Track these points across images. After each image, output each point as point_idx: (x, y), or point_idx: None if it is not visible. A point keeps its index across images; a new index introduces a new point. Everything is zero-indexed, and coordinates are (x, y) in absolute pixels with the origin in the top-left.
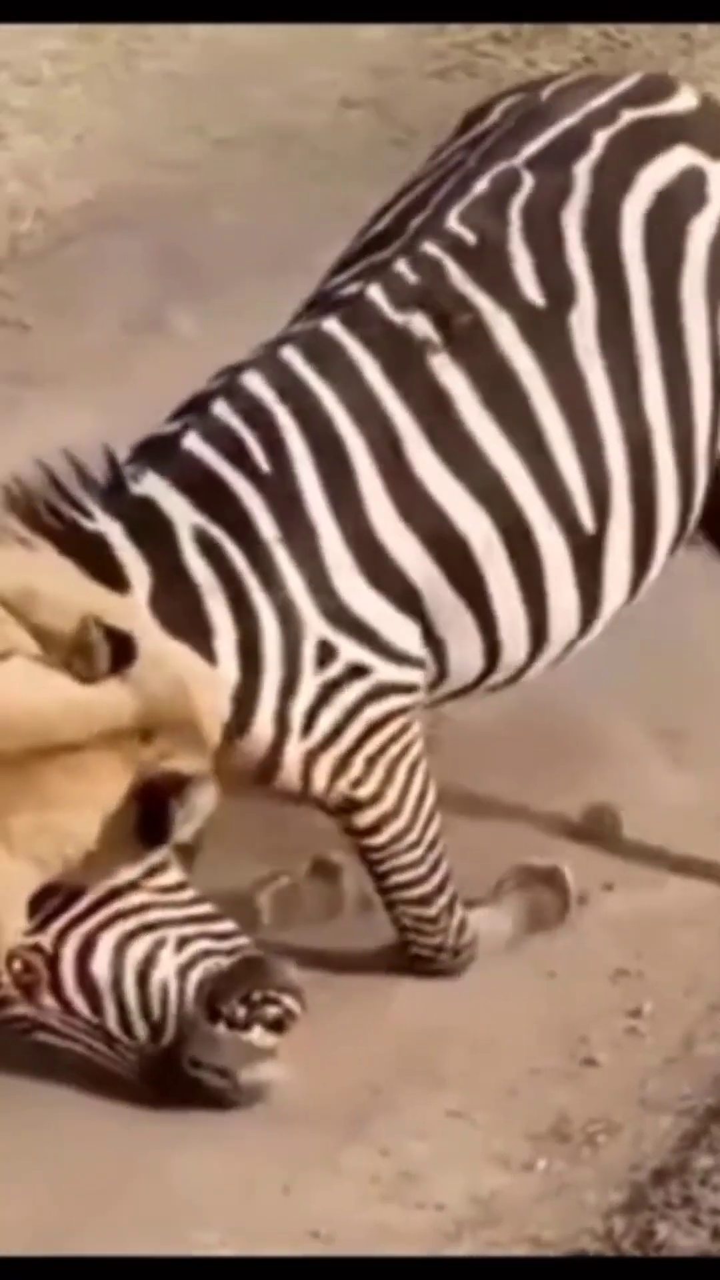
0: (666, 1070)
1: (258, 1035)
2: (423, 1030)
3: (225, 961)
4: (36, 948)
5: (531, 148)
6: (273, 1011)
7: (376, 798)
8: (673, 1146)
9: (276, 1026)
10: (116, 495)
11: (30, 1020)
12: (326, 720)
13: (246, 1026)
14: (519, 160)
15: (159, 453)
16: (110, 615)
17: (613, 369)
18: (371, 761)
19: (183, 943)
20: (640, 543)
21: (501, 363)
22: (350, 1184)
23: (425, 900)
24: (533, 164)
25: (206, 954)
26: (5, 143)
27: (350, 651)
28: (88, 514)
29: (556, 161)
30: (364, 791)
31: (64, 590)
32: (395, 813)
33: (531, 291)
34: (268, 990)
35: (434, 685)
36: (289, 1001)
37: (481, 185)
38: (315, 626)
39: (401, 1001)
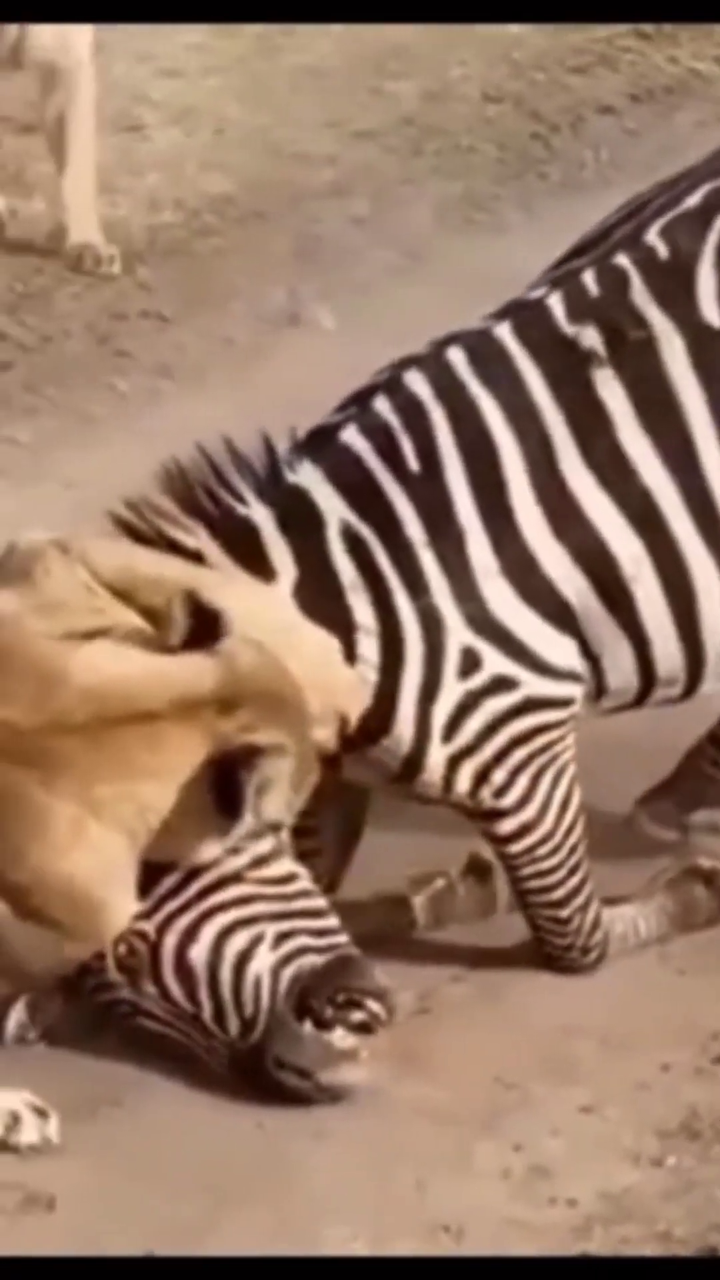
0: None
1: (339, 1037)
2: (556, 1026)
3: (319, 960)
4: (141, 933)
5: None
6: (358, 1016)
7: (518, 807)
8: None
9: (363, 1029)
10: (271, 483)
11: (131, 1005)
12: (470, 728)
13: (332, 1026)
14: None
15: (318, 443)
16: (205, 590)
17: None
18: (515, 772)
19: (280, 938)
20: None
21: (664, 381)
22: (482, 1180)
23: (559, 904)
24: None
25: (302, 951)
26: (145, 135)
27: (496, 662)
28: (242, 500)
29: None
30: (506, 801)
31: (162, 570)
32: (536, 822)
33: (710, 313)
34: (356, 992)
35: (595, 699)
36: (375, 1006)
37: (693, 200)
38: (459, 633)
39: (535, 998)
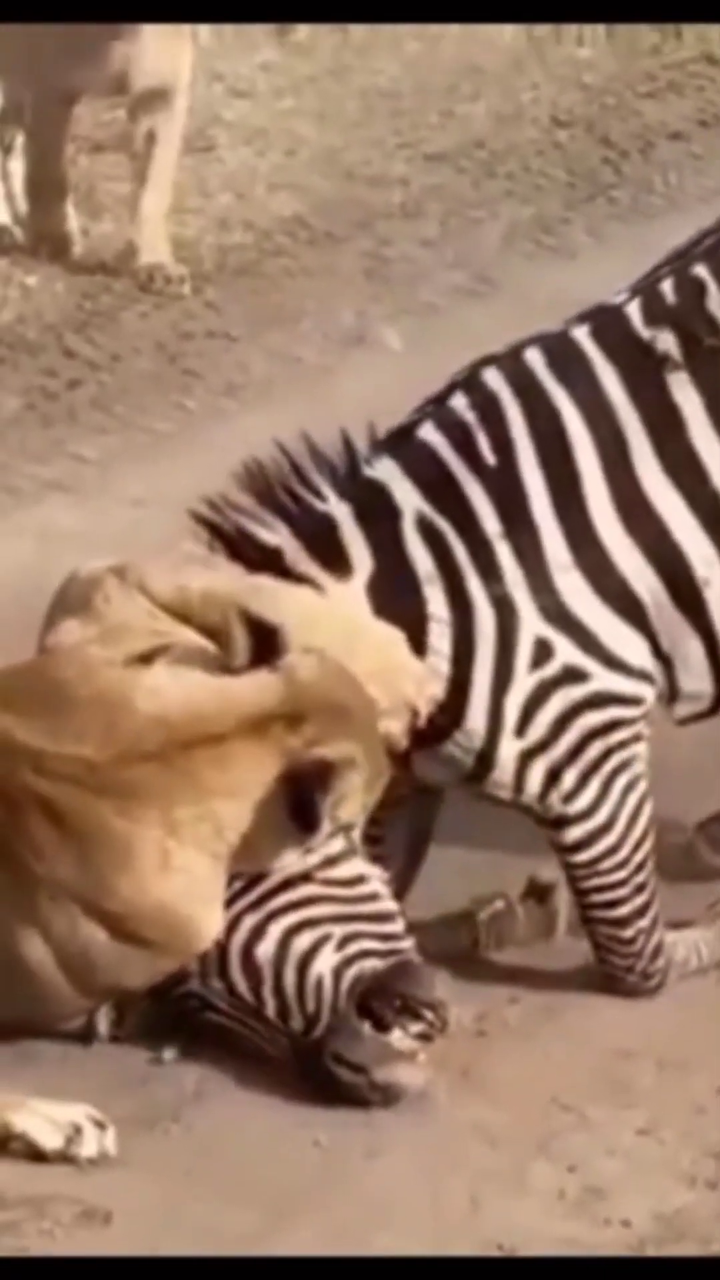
0: None
1: (398, 1038)
2: (613, 1049)
3: (381, 964)
4: None
5: None
6: (413, 1025)
7: (587, 814)
8: None
9: (418, 1038)
10: (350, 478)
11: (199, 998)
12: (542, 721)
13: (390, 1028)
14: None
15: (396, 440)
16: (260, 605)
17: None
18: (586, 776)
19: (345, 940)
20: None
21: None
22: (536, 1199)
23: (623, 922)
24: None
25: (365, 954)
26: (216, 154)
27: (568, 653)
28: (321, 496)
29: None
30: (575, 807)
31: (215, 585)
32: (604, 831)
33: None
34: (412, 1000)
35: (670, 702)
36: (429, 1016)
37: None
38: (532, 623)
39: (593, 1020)
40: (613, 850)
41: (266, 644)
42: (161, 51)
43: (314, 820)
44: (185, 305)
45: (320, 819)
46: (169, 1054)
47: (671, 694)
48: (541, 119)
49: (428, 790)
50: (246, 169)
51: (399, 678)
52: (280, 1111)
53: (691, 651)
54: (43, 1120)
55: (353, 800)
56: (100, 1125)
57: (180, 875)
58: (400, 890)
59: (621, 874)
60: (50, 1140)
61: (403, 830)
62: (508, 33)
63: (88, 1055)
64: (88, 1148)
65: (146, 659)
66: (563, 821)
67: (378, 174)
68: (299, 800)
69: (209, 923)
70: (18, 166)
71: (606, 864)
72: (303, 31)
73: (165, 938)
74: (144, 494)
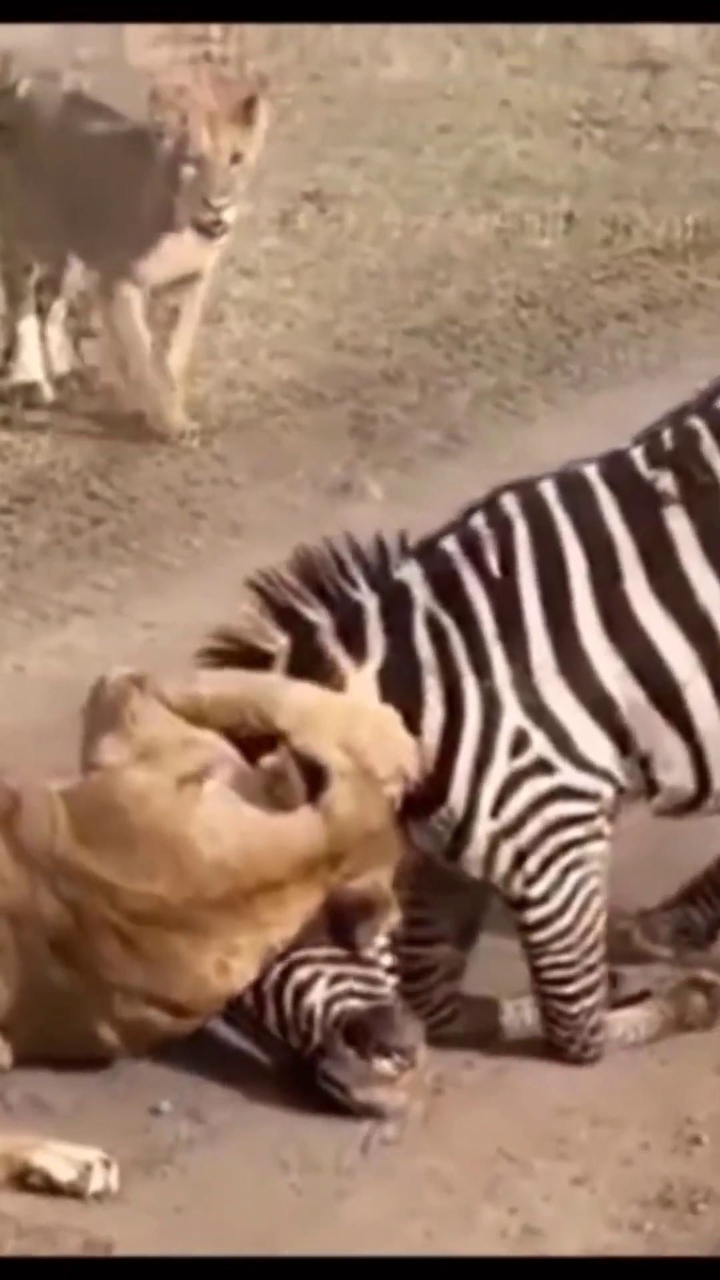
0: None
1: (380, 1064)
2: (553, 1107)
3: (362, 1004)
4: None
5: None
6: (384, 1064)
7: (544, 899)
8: None
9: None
10: (382, 574)
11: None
12: (513, 807)
13: (371, 1058)
14: None
15: (422, 548)
16: (264, 702)
17: None
18: (546, 864)
19: (334, 979)
20: None
21: None
22: (482, 1236)
23: (570, 999)
24: None
25: (350, 993)
26: (225, 326)
27: (541, 746)
28: (356, 586)
29: None
30: (535, 891)
31: (224, 689)
32: (559, 915)
33: None
34: (385, 1043)
35: (648, 796)
36: (399, 1059)
37: None
38: (514, 716)
39: (536, 1082)
40: (565, 934)
41: (315, 781)
42: (198, 244)
43: (356, 947)
44: (195, 455)
45: (361, 946)
46: (166, 1106)
47: (650, 789)
48: (507, 300)
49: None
50: (250, 338)
51: (394, 748)
52: (262, 1158)
53: (672, 749)
54: (58, 1158)
55: (385, 924)
56: (107, 1165)
57: (236, 977)
58: (454, 970)
59: (572, 955)
60: (64, 1174)
61: (451, 912)
62: (479, 224)
63: (97, 1105)
64: (95, 1183)
65: (193, 779)
66: (524, 903)
67: (364, 345)
68: (341, 928)
69: (240, 977)
70: (55, 332)
71: (558, 945)
72: (302, 221)
73: (215, 1010)
74: (155, 619)
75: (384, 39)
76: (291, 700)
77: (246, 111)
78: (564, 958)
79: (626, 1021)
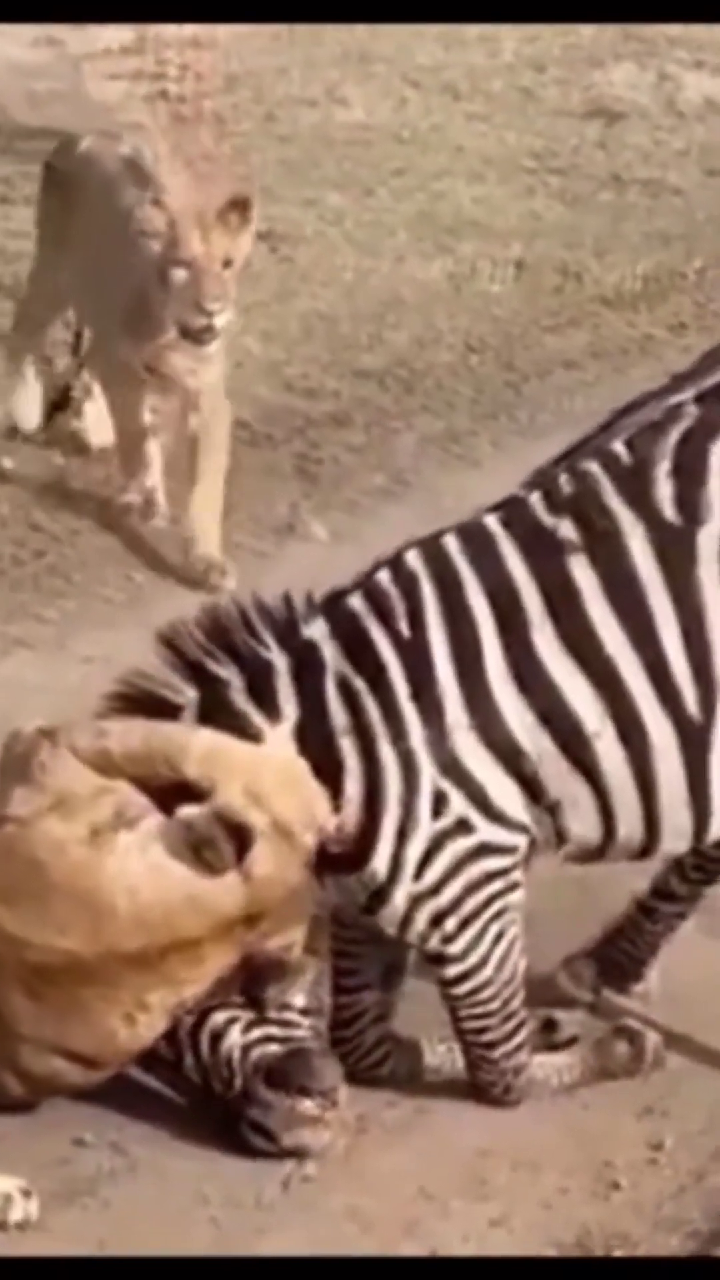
0: (679, 1197)
1: (304, 1105)
2: (474, 1149)
3: (280, 1049)
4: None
5: (706, 383)
6: (309, 1105)
7: (464, 955)
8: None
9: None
10: (290, 633)
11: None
12: (435, 869)
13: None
14: (690, 394)
15: (329, 604)
16: (175, 752)
17: None
18: (466, 922)
19: (249, 1025)
20: None
21: (628, 566)
22: None
23: (491, 1045)
24: (701, 398)
25: (267, 1039)
26: None
27: (459, 805)
28: (265, 645)
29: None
30: (453, 949)
31: (131, 741)
32: (478, 970)
33: (669, 511)
34: (304, 1086)
35: (557, 846)
36: (321, 1101)
37: (655, 413)
38: (431, 776)
39: (458, 1123)
40: (484, 986)
41: (240, 842)
42: (188, 349)
43: (263, 1006)
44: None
45: (271, 1004)
46: (89, 1137)
47: (560, 838)
48: (456, 345)
49: None
50: None
51: (305, 797)
52: (183, 1192)
53: (582, 798)
54: None
55: (298, 983)
56: (27, 1195)
57: (144, 1030)
58: (382, 1015)
59: (492, 1006)
60: None
61: (377, 960)
62: (433, 268)
63: (19, 1136)
64: (15, 1214)
65: (107, 828)
66: (442, 959)
67: (313, 386)
68: (254, 986)
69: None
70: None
71: (478, 998)
72: (255, 261)
73: (124, 1062)
74: (95, 653)
75: (341, 83)
76: (198, 747)
77: (239, 214)
78: (485, 1009)
79: (551, 1066)
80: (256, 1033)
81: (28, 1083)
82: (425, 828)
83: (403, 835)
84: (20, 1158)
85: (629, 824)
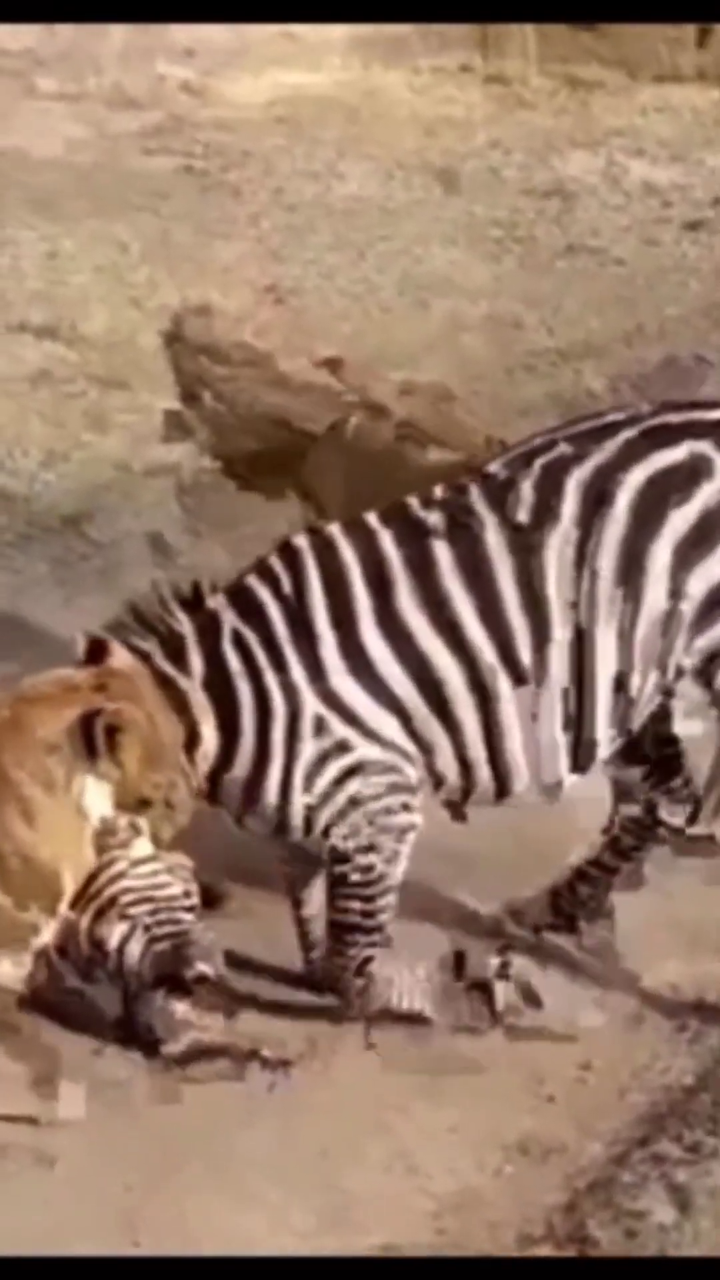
0: (604, 1109)
1: (180, 1009)
2: (440, 1068)
3: (168, 946)
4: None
5: (581, 427)
6: (186, 1002)
7: (347, 856)
8: (603, 1166)
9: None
10: (197, 606)
11: (77, 992)
12: (321, 783)
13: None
14: (564, 434)
15: (230, 585)
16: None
17: (572, 573)
18: (353, 830)
19: (149, 926)
20: (571, 710)
21: (483, 552)
22: (372, 1167)
23: (350, 930)
24: (571, 439)
25: (162, 937)
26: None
27: (339, 728)
28: (176, 618)
29: (588, 436)
30: (340, 847)
31: None
32: (362, 872)
33: (523, 514)
34: (181, 979)
35: (435, 788)
36: (196, 991)
37: (528, 446)
38: (312, 704)
39: (422, 1046)
40: (361, 886)
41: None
42: None
43: (94, 747)
44: (166, 508)
45: (97, 743)
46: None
47: (435, 781)
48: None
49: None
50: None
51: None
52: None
53: (443, 746)
54: None
55: (166, 825)
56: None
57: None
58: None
59: (356, 903)
60: None
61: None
62: (415, 321)
63: None
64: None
65: None
66: (334, 856)
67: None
68: (88, 729)
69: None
70: None
71: (351, 891)
72: (263, 317)
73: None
74: None
75: (339, 161)
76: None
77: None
78: (361, 893)
79: (399, 983)
80: (150, 934)
81: None
82: (310, 744)
83: (291, 751)
84: None
85: (481, 771)
